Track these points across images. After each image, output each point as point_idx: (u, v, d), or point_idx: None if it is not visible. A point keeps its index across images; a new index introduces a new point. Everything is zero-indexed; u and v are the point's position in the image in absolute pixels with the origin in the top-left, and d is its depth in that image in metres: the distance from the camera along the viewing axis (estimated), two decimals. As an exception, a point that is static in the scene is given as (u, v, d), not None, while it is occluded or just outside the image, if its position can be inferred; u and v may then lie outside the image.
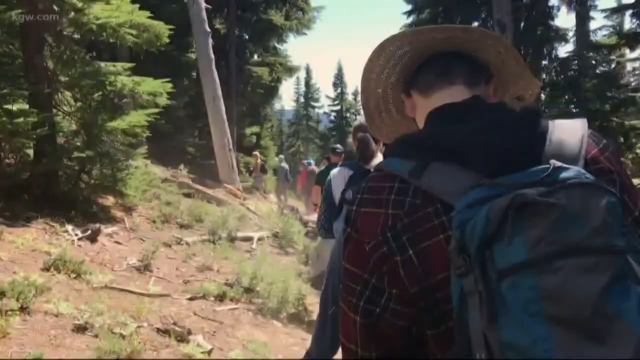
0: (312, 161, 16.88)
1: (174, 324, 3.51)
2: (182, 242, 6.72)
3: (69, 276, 4.17)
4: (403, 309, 0.79)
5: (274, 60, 19.23)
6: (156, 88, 7.26)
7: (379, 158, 2.56)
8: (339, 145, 6.18)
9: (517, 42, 14.26)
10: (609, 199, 0.66)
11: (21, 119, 5.63)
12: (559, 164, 0.71)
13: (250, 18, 17.89)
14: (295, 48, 53.72)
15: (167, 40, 7.44)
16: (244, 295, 4.93)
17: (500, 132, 0.79)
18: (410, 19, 16.08)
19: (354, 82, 40.33)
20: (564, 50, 16.08)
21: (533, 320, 0.62)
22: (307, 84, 41.15)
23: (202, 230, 7.58)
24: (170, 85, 7.47)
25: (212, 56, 12.14)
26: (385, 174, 0.86)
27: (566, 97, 14.35)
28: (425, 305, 0.78)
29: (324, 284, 1.90)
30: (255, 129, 19.31)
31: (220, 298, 4.76)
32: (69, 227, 5.66)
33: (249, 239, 7.92)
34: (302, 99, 41.10)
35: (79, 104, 7.04)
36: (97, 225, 5.79)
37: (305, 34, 19.27)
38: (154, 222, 7.25)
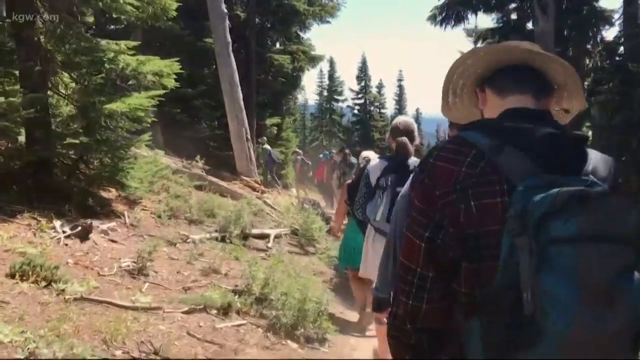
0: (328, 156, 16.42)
1: (155, 352, 2.69)
2: (188, 240, 5.94)
3: (38, 284, 3.40)
4: (455, 244, 1.07)
5: (297, 49, 18.31)
6: (162, 68, 6.49)
7: (413, 157, 3.30)
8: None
9: (558, 23, 13.09)
10: (637, 209, 0.97)
11: (2, 99, 4.90)
12: (595, 179, 1.02)
13: (271, 3, 17.04)
14: (318, 40, 52.83)
15: (175, 14, 6.64)
16: (253, 307, 4.10)
17: (560, 143, 1.09)
18: (441, 1, 15.04)
19: (378, 75, 39.56)
20: (607, 34, 14.67)
21: (568, 279, 0.90)
22: (331, 77, 40.28)
23: (213, 227, 6.78)
24: (178, 65, 6.69)
25: (229, 40, 11.33)
26: (465, 142, 1.13)
27: (611, 83, 13.18)
28: (472, 245, 1.05)
29: (386, 241, 2.21)
30: (277, 120, 18.45)
31: (225, 311, 3.93)
32: (57, 223, 4.93)
33: (264, 237, 7.11)
34: (325, 92, 40.27)
35: (78, 85, 6.32)
36: (89, 221, 5.03)
37: (329, 22, 18.36)
38: (159, 217, 6.47)
